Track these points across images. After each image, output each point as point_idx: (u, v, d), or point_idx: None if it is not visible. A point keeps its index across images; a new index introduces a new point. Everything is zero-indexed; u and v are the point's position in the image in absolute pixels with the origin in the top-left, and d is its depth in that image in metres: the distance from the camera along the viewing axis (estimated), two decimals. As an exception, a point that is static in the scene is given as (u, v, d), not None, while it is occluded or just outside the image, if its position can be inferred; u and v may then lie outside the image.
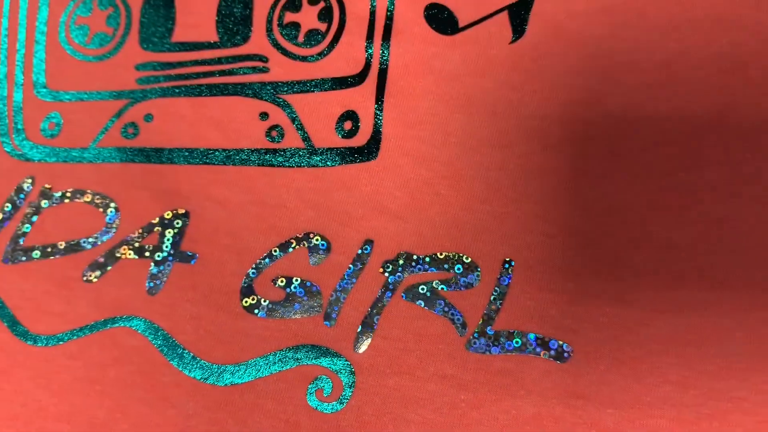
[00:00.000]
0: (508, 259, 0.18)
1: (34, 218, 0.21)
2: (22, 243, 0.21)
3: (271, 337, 0.19)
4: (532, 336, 0.18)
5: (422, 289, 0.18)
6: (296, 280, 0.19)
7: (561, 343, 0.17)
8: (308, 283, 0.19)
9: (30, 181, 0.21)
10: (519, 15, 0.20)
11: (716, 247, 0.17)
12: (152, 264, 0.20)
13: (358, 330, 0.18)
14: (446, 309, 0.18)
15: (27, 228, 0.21)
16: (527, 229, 0.18)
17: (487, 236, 0.18)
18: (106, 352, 0.19)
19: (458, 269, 0.18)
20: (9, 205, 0.21)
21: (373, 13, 0.20)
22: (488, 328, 0.18)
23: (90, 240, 0.20)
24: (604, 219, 0.18)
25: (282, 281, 0.19)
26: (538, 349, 0.17)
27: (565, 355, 0.17)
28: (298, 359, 0.18)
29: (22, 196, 0.21)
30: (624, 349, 0.17)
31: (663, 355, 0.17)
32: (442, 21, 0.20)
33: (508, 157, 0.19)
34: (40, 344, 0.20)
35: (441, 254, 0.19)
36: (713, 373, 0.16)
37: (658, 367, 0.17)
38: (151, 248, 0.20)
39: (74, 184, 0.21)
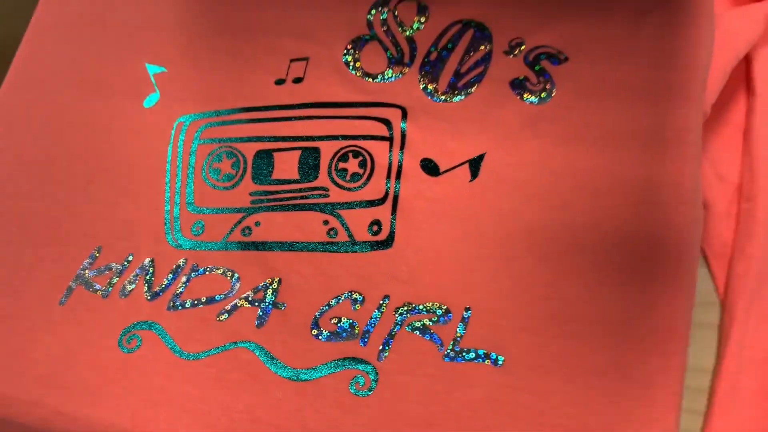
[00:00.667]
0: (467, 307, 0.31)
1: (187, 283, 0.34)
2: (179, 298, 0.34)
3: (328, 352, 0.32)
4: (481, 351, 0.31)
5: (418, 323, 0.32)
6: (344, 319, 0.32)
7: (497, 356, 0.30)
8: (351, 321, 0.32)
9: (183, 260, 0.35)
10: (476, 164, 0.34)
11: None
12: (259, 309, 0.33)
13: (380, 348, 0.31)
14: (432, 336, 0.31)
15: (182, 289, 0.34)
16: (482, 291, 0.32)
17: (455, 291, 0.32)
18: (230, 362, 0.32)
19: (438, 312, 0.32)
20: (171, 275, 0.35)
21: (390, 164, 0.34)
22: (456, 347, 0.31)
23: (220, 296, 0.34)
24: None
25: (335, 320, 0.32)
26: (484, 360, 0.30)
27: (499, 362, 0.30)
28: (344, 365, 0.31)
29: (179, 270, 0.35)
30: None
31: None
32: (430, 168, 0.34)
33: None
34: (189, 359, 0.33)
35: (429, 304, 0.32)
36: None
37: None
38: (258, 300, 0.33)
39: (212, 263, 0.35)
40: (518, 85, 0.34)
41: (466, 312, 0.31)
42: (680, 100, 0.32)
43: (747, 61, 0.44)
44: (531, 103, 0.34)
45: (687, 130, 0.32)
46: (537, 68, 0.34)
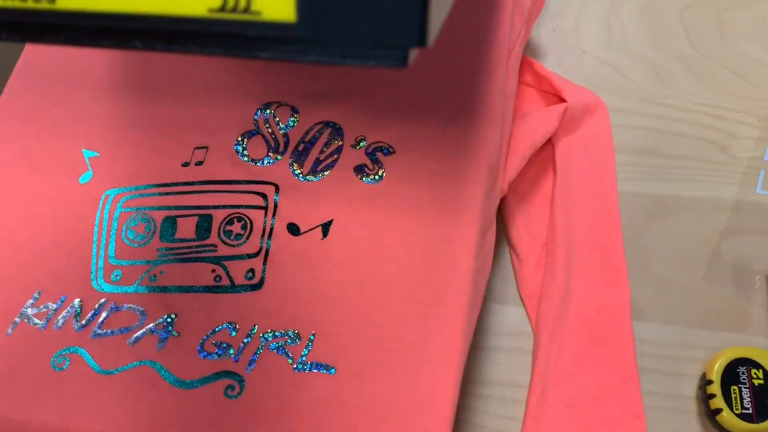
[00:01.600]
0: (313, 332, 0.43)
1: (106, 317, 0.45)
2: (100, 328, 0.45)
3: (210, 367, 0.43)
4: (320, 364, 0.42)
5: (276, 344, 0.43)
6: (223, 343, 0.43)
7: (331, 367, 0.42)
8: (227, 344, 0.43)
9: (104, 300, 0.46)
10: (327, 227, 0.46)
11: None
12: (160, 336, 0.44)
13: (248, 363, 0.43)
14: (286, 353, 0.43)
15: (102, 321, 0.45)
16: (324, 321, 0.43)
17: (305, 321, 0.43)
18: (137, 376, 0.43)
19: (292, 336, 0.43)
20: (94, 311, 0.46)
21: (264, 226, 0.46)
22: (302, 361, 0.42)
23: (132, 326, 0.45)
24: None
25: (216, 343, 0.43)
26: (321, 370, 0.42)
27: (332, 372, 0.41)
28: (220, 377, 0.42)
29: (100, 308, 0.46)
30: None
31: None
32: (293, 230, 0.46)
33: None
34: (106, 374, 0.43)
35: (285, 330, 0.43)
36: None
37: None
38: (159, 330, 0.44)
39: (125, 302, 0.46)
40: (359, 170, 0.47)
41: (311, 336, 0.43)
42: (470, 182, 0.45)
43: (553, 147, 0.57)
44: (368, 183, 0.46)
45: (473, 203, 0.45)
46: (373, 158, 0.47)
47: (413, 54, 0.16)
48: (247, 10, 0.15)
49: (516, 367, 0.53)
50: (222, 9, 0.15)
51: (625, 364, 0.50)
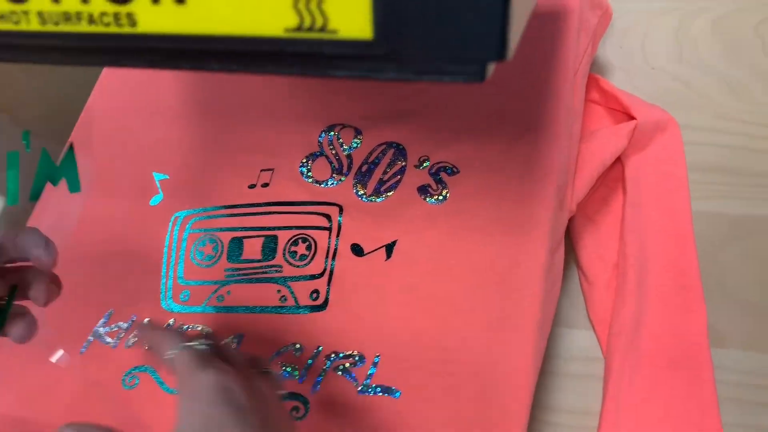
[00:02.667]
0: (377, 354, 0.42)
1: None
2: None
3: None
4: (384, 387, 0.41)
5: (341, 366, 0.43)
6: (288, 364, 0.43)
7: (396, 389, 0.41)
8: (293, 365, 0.43)
9: (172, 320, 0.47)
10: (390, 248, 0.46)
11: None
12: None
13: (312, 384, 0.42)
14: (350, 376, 0.42)
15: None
16: (388, 343, 0.43)
17: (369, 343, 0.43)
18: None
19: (356, 358, 0.43)
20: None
21: (329, 247, 0.46)
22: (367, 384, 0.42)
23: (199, 347, 0.45)
24: None
25: (282, 364, 0.43)
26: (386, 393, 0.41)
27: (396, 395, 0.41)
28: (286, 398, 0.42)
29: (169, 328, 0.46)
30: None
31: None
32: (357, 250, 0.46)
33: None
34: (172, 393, 0.44)
35: (350, 352, 0.43)
36: None
37: None
38: None
39: (193, 322, 0.46)
40: (423, 191, 0.47)
41: (376, 358, 0.42)
42: (537, 202, 0.44)
43: (622, 166, 0.56)
44: (432, 203, 0.46)
45: (541, 224, 0.43)
46: (437, 178, 0.47)
47: (491, 68, 0.15)
48: (323, 28, 0.15)
49: (586, 394, 0.51)
50: (299, 28, 0.15)
51: (703, 393, 0.48)
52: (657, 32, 0.62)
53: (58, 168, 0.35)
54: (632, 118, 0.55)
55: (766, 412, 0.48)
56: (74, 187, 0.35)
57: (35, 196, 0.35)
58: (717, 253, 0.53)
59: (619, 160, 0.56)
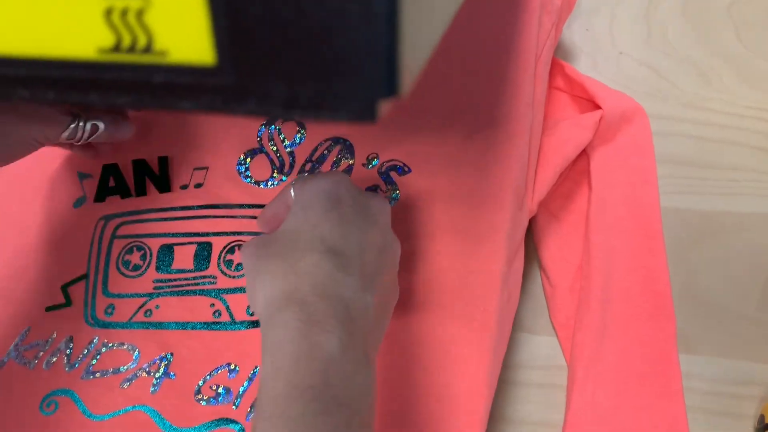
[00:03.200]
0: None
1: (98, 357, 0.42)
2: (91, 368, 0.41)
3: (207, 414, 0.39)
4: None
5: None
6: (221, 387, 0.39)
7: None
8: (227, 387, 0.39)
9: (96, 338, 0.42)
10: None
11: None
12: (154, 379, 0.40)
13: (248, 410, 0.39)
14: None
15: (94, 362, 0.42)
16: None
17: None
18: (129, 422, 0.39)
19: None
20: (86, 350, 0.42)
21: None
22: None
23: (124, 367, 0.41)
24: None
25: (214, 387, 0.39)
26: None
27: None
28: (219, 425, 0.38)
29: (92, 346, 0.42)
30: None
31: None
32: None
33: None
34: (96, 419, 0.40)
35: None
36: None
37: None
38: (154, 371, 0.40)
39: (118, 340, 0.42)
40: (372, 191, 0.43)
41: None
42: (494, 205, 0.40)
43: (588, 159, 0.52)
44: (380, 205, 0.42)
45: (497, 230, 0.40)
46: (386, 178, 0.43)
47: (385, 105, 0.11)
48: (148, 49, 0.11)
49: (548, 405, 0.48)
50: (116, 49, 0.11)
51: (671, 406, 0.45)
52: (625, 14, 0.58)
53: None
54: (598, 107, 0.51)
55: (737, 423, 0.46)
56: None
57: None
58: (687, 253, 0.50)
59: (584, 153, 0.52)
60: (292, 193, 0.33)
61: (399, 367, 0.38)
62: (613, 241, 0.49)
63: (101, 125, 0.42)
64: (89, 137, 0.42)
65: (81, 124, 0.40)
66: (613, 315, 0.47)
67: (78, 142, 0.41)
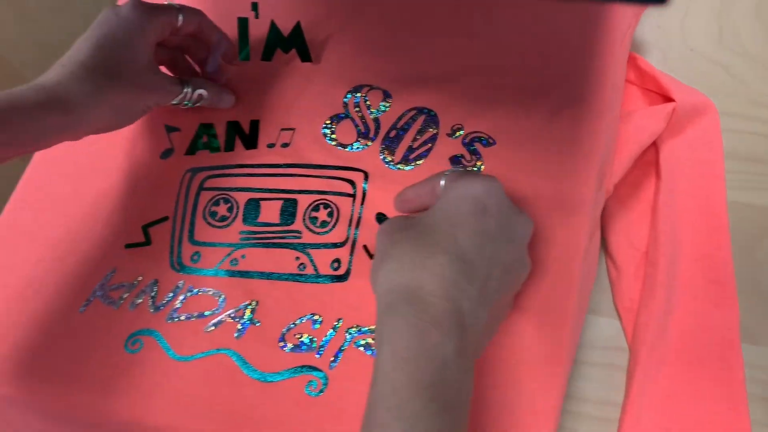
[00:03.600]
0: None
1: (183, 300, 0.43)
2: (176, 312, 0.43)
3: (291, 361, 0.40)
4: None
5: (362, 341, 0.40)
6: (305, 335, 0.41)
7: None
8: (311, 337, 0.40)
9: (182, 282, 0.43)
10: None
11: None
12: (239, 324, 0.41)
13: (331, 359, 0.40)
14: (373, 351, 0.39)
15: (179, 305, 0.43)
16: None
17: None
18: (213, 365, 0.40)
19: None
20: (171, 293, 0.43)
21: (352, 215, 0.44)
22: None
23: (209, 312, 0.42)
24: None
25: (298, 335, 0.41)
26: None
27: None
28: (302, 371, 0.40)
29: (177, 290, 0.43)
30: None
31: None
32: (382, 220, 0.43)
33: None
34: (180, 360, 0.41)
35: (372, 326, 0.40)
36: None
37: None
38: (239, 317, 0.42)
39: (204, 285, 0.43)
40: (455, 161, 0.44)
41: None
42: (579, 179, 0.41)
43: (657, 150, 0.53)
44: (465, 174, 0.43)
45: (583, 203, 0.41)
46: (471, 149, 0.44)
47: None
48: None
49: (609, 384, 0.49)
50: None
51: (732, 390, 0.46)
52: (697, 12, 0.59)
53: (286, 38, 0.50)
54: (669, 100, 0.52)
55: (795, 412, 0.46)
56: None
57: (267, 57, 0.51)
58: (752, 248, 0.50)
59: (653, 144, 0.53)
60: (442, 184, 0.34)
61: None
62: (680, 231, 0.50)
63: (205, 93, 0.46)
64: (194, 104, 0.46)
65: (188, 91, 0.45)
66: (677, 301, 0.48)
67: (184, 107, 0.46)
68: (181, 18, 0.43)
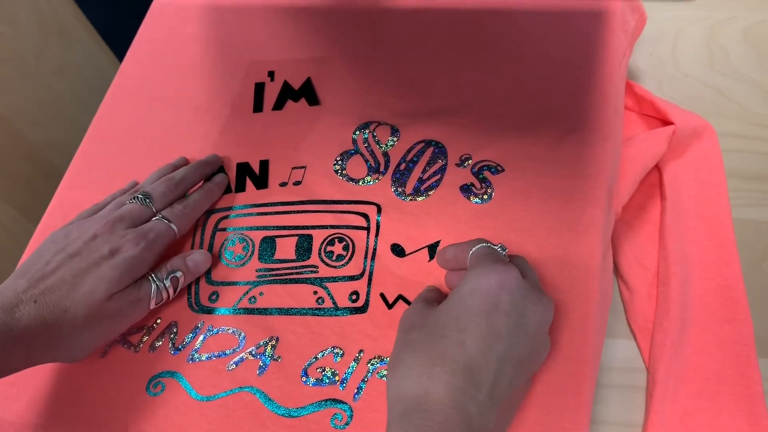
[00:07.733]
0: None
1: (203, 341, 0.43)
2: (197, 352, 0.43)
3: (314, 395, 0.40)
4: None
5: (385, 371, 0.40)
6: (327, 369, 0.41)
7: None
8: (333, 370, 0.41)
9: (201, 322, 0.44)
10: (433, 249, 0.43)
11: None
12: (260, 361, 0.42)
13: (355, 391, 0.40)
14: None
15: (199, 345, 0.43)
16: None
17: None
18: (236, 403, 0.40)
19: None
20: (191, 334, 0.43)
21: (367, 247, 0.44)
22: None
23: (230, 350, 0.42)
24: None
25: (320, 369, 0.41)
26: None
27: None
28: (326, 405, 0.40)
29: (197, 330, 0.44)
30: None
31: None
32: (398, 251, 0.44)
33: None
34: (203, 400, 0.41)
35: (394, 356, 0.40)
36: None
37: None
38: (260, 354, 0.42)
39: (223, 324, 0.43)
40: (466, 190, 0.45)
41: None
42: (589, 201, 0.42)
43: (660, 172, 0.54)
44: (476, 203, 0.44)
45: (594, 224, 0.42)
46: (480, 177, 0.45)
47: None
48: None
49: (628, 405, 0.49)
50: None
51: (752, 406, 0.46)
52: (687, 40, 0.61)
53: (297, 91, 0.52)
54: (667, 124, 0.54)
55: (816, 425, 0.46)
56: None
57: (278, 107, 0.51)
58: (760, 262, 0.51)
59: (655, 167, 0.54)
60: (470, 254, 0.36)
61: None
62: (688, 251, 0.51)
63: (179, 274, 0.43)
64: (176, 290, 0.43)
65: (156, 286, 0.42)
66: (691, 318, 0.48)
67: (169, 299, 0.43)
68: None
